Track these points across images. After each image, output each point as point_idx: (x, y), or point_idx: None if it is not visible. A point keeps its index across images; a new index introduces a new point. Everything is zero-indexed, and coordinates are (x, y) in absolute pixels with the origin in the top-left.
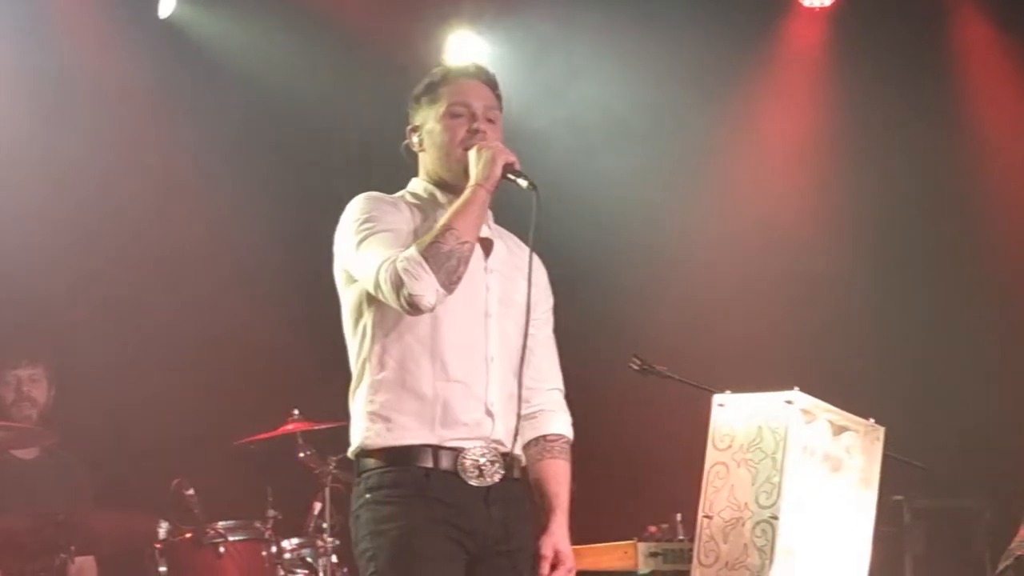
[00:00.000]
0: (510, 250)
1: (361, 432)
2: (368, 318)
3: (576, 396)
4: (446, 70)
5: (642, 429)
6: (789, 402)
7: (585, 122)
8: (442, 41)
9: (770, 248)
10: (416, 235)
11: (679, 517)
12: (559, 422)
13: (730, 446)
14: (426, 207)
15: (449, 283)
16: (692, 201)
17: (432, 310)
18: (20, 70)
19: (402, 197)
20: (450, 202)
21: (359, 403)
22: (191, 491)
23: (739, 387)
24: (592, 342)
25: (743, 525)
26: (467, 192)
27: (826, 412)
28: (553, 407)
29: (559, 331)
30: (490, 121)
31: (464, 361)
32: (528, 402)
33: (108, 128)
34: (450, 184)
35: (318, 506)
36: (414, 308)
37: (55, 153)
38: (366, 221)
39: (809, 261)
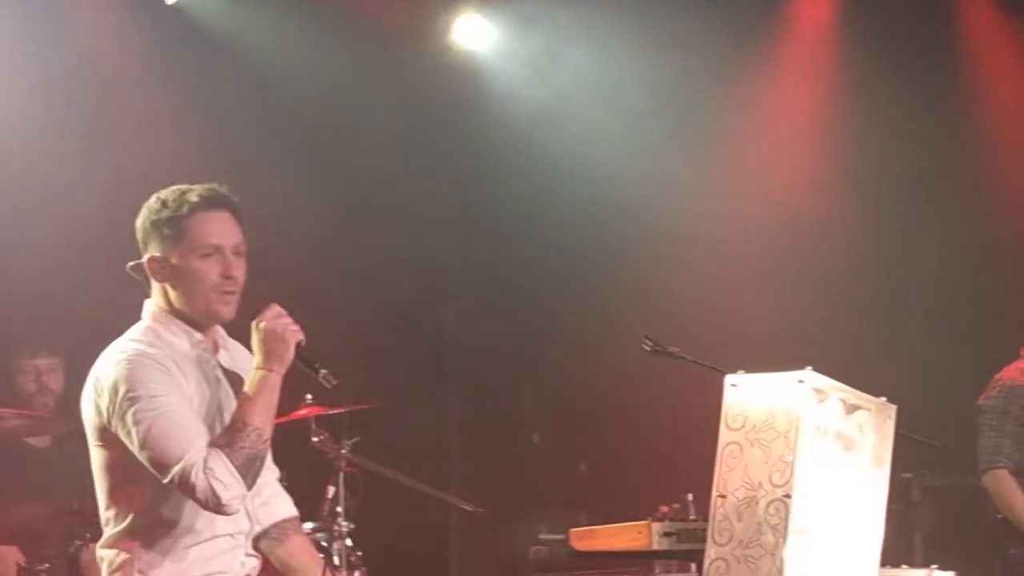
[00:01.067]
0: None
1: None
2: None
3: (590, 379)
4: (189, 203)
5: (654, 410)
6: (801, 382)
7: (590, 104)
8: (450, 23)
9: (781, 228)
10: (194, 400)
11: (691, 497)
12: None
13: (743, 426)
14: (188, 353)
15: (253, 484)
16: (702, 182)
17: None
18: (27, 58)
19: (152, 342)
20: (187, 333)
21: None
22: None
23: (752, 367)
24: (603, 325)
25: (757, 504)
26: (260, 379)
27: (838, 391)
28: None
29: (569, 315)
30: (237, 255)
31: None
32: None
33: (117, 115)
34: (198, 322)
35: (332, 490)
36: (221, 512)
37: (66, 143)
38: (149, 398)
39: (820, 240)
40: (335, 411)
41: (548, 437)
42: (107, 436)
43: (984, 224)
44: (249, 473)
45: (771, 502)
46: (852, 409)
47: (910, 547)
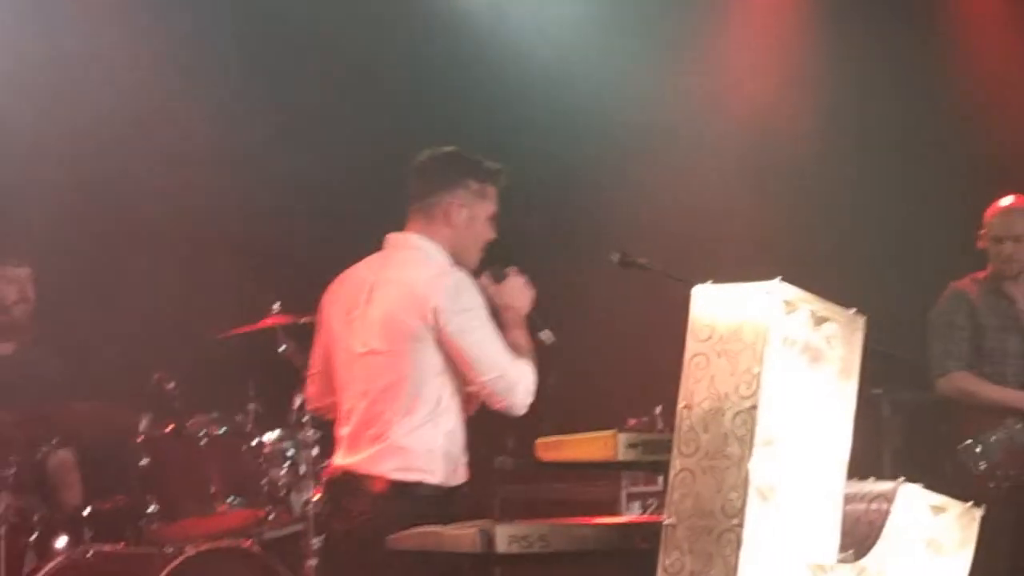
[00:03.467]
0: None
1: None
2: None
3: (559, 292)
4: (494, 172)
5: (623, 322)
6: (770, 292)
7: (561, 27)
8: None
9: (751, 142)
10: None
11: (658, 410)
12: None
13: (710, 337)
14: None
15: None
16: (672, 99)
17: None
18: None
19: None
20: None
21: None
22: (172, 384)
23: (720, 279)
24: (573, 238)
25: (723, 415)
26: (519, 320)
27: (807, 302)
28: None
29: (536, 229)
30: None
31: None
32: None
33: (104, 25)
34: (457, 258)
35: (299, 400)
36: (514, 413)
37: (41, 52)
38: (479, 310)
39: (791, 154)
40: (303, 320)
41: None
42: (424, 341)
43: (958, 142)
44: None
45: (737, 413)
46: (820, 321)
47: (879, 462)
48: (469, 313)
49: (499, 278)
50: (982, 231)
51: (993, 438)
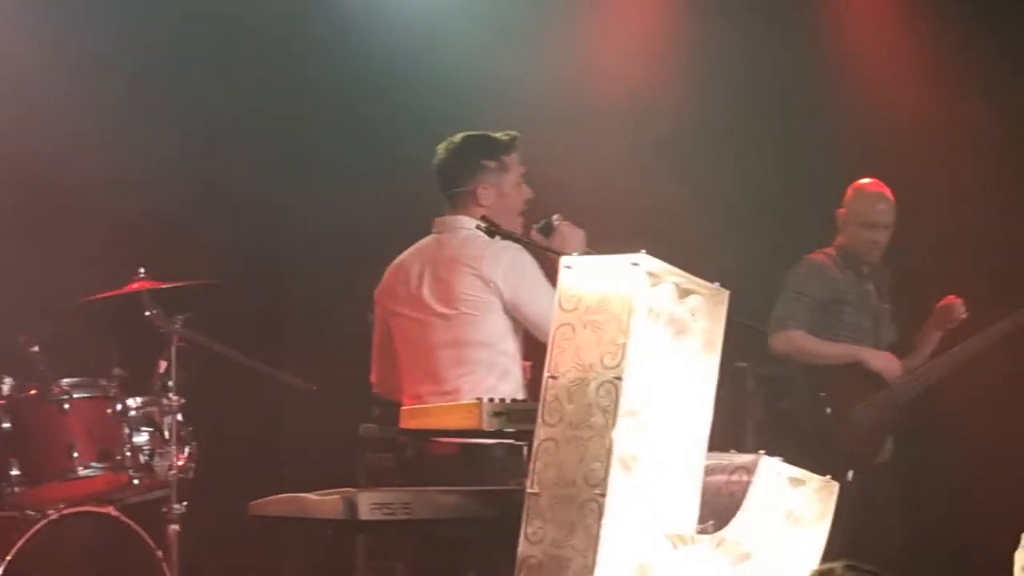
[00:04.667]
0: None
1: None
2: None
3: None
4: (506, 141)
5: None
6: (636, 265)
7: (428, 9)
8: None
9: (629, 120)
10: None
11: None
12: None
13: (576, 307)
14: None
15: None
16: (548, 77)
17: None
18: None
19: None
20: None
21: None
22: (36, 347)
23: (588, 250)
24: (436, 207)
25: (587, 385)
26: None
27: (672, 275)
28: None
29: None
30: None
31: None
32: None
33: None
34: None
35: (164, 365)
36: None
37: None
38: (544, 278)
39: (669, 131)
40: (169, 285)
41: None
42: (489, 311)
43: (834, 120)
44: None
45: (602, 384)
46: (685, 294)
47: (742, 436)
48: (527, 280)
49: (547, 230)
50: (842, 210)
51: (851, 412)
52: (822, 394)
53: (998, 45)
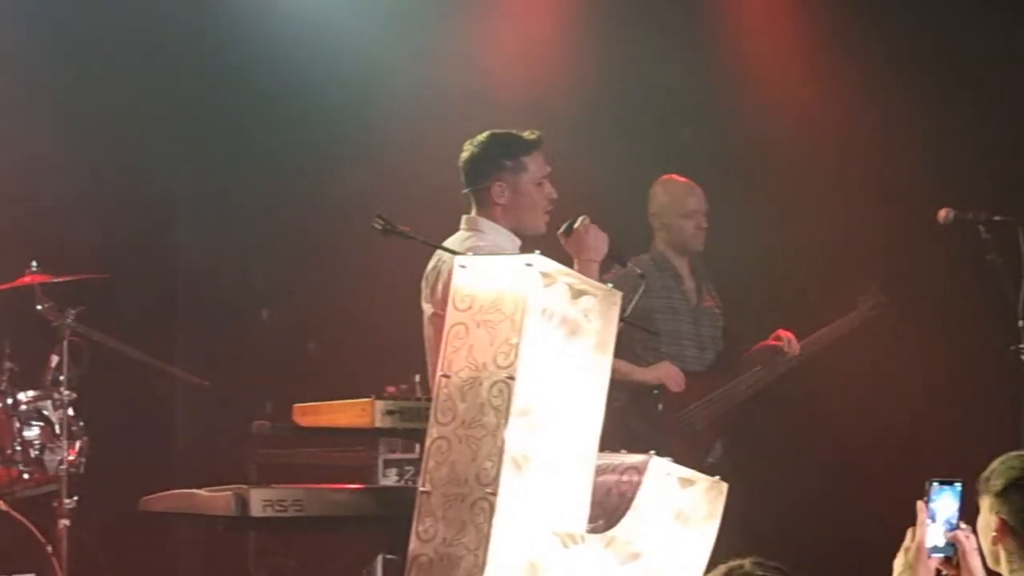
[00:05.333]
0: None
1: None
2: None
3: (321, 258)
4: (527, 140)
5: (385, 291)
6: (529, 265)
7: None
8: None
9: (523, 119)
10: None
11: (417, 378)
12: None
13: (470, 307)
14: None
15: None
16: (444, 75)
17: None
18: None
19: (494, 244)
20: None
21: None
22: None
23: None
24: (336, 202)
25: (480, 385)
26: (584, 267)
27: (565, 276)
28: None
29: (305, 190)
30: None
31: None
32: None
33: None
34: (523, 233)
35: (55, 359)
36: None
37: None
38: None
39: (565, 129)
40: (61, 279)
41: (278, 314)
42: None
43: (718, 115)
44: None
45: (495, 383)
46: (578, 294)
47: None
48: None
49: (567, 232)
50: (653, 212)
51: (693, 406)
52: (655, 391)
53: (887, 46)
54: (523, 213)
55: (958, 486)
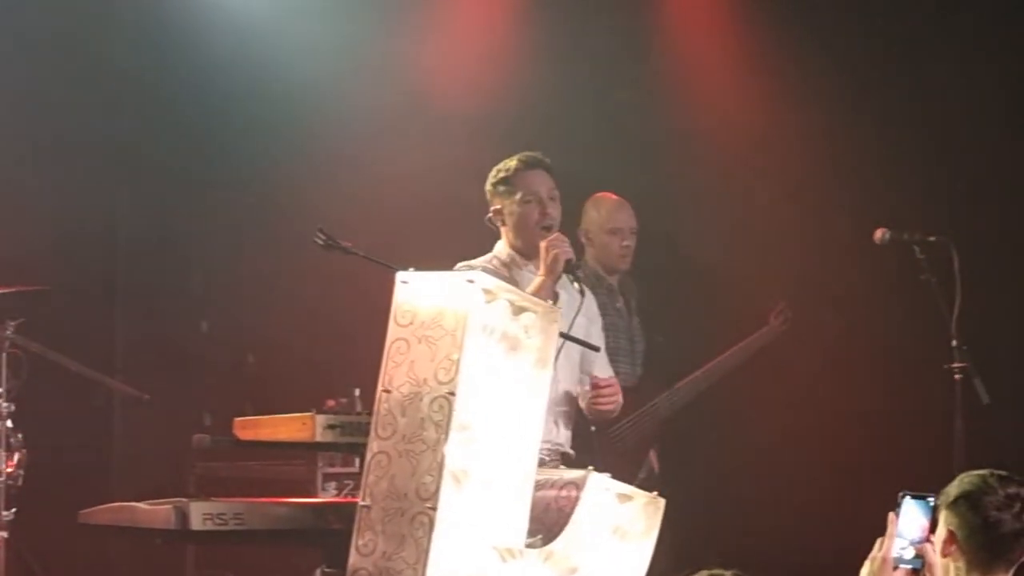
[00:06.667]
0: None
1: None
2: None
3: (262, 270)
4: (516, 165)
5: (326, 305)
6: (471, 282)
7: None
8: None
9: (469, 130)
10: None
11: (358, 392)
12: None
13: (412, 323)
14: (510, 266)
15: None
16: (387, 84)
17: None
18: None
19: (491, 260)
20: (525, 264)
21: None
22: None
23: (423, 265)
24: (278, 216)
25: (421, 400)
26: (538, 282)
27: (506, 292)
28: None
29: (244, 206)
30: (552, 200)
31: None
32: None
33: None
34: (524, 251)
35: None
36: None
37: None
38: None
39: (509, 141)
40: (7, 291)
41: (217, 326)
42: None
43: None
44: None
45: (435, 399)
46: (519, 311)
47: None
48: None
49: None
50: (583, 228)
51: (614, 427)
52: None
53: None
54: (518, 233)
55: (930, 500)
